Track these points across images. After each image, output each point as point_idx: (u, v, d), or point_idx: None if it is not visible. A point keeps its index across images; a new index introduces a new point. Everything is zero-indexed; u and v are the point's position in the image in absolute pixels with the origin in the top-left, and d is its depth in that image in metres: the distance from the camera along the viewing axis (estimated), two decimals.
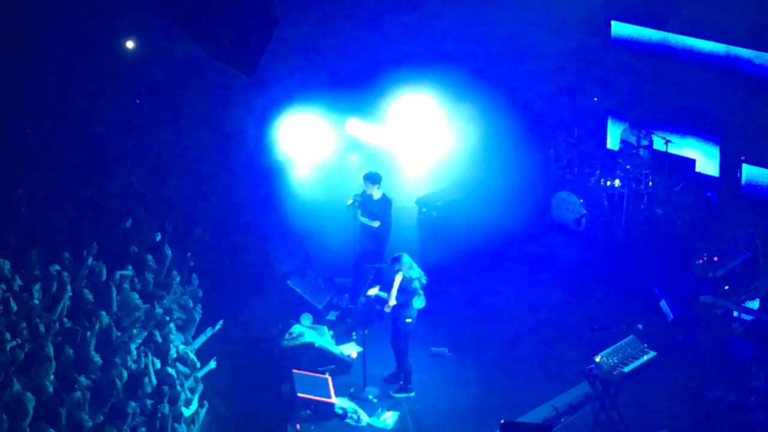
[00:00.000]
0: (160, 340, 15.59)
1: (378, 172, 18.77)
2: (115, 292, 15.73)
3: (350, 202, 18.38)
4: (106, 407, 13.78)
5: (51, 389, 13.47)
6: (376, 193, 18.52)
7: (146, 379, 14.48)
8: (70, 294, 15.19)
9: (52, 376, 13.70)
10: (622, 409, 15.56)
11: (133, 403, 13.97)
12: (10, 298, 14.53)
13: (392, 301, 16.64)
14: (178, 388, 14.92)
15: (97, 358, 14.37)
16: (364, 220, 18.51)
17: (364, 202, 18.48)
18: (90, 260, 16.03)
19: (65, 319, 14.90)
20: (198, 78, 21.28)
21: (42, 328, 14.33)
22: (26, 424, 12.81)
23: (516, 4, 21.20)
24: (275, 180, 21.29)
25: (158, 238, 17.55)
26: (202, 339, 16.68)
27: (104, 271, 16.04)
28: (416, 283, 16.52)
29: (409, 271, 16.58)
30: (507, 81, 21.39)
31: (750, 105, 19.65)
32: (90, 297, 15.63)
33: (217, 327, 16.84)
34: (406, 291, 16.54)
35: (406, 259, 16.66)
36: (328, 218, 19.95)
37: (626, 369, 15.29)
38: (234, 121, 21.74)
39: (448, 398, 16.90)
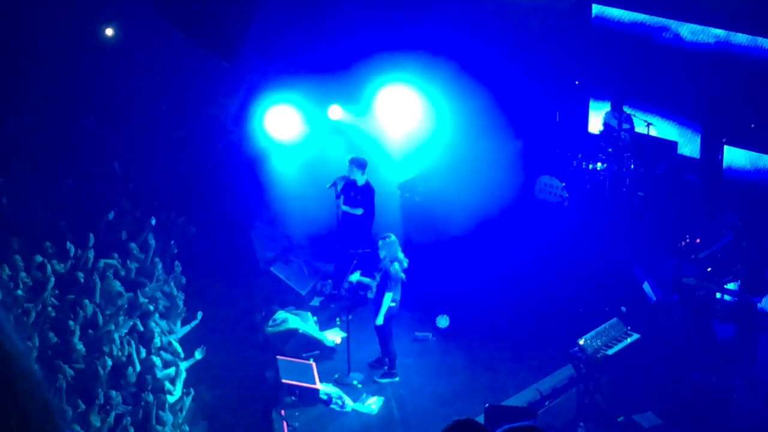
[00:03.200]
0: (142, 328, 15.60)
1: (364, 158, 18.74)
2: (98, 281, 15.73)
3: (331, 184, 18.35)
4: (89, 396, 13.79)
5: None
6: (360, 179, 18.50)
7: (129, 368, 14.48)
8: (54, 283, 15.18)
9: (35, 366, 13.69)
10: (606, 392, 15.64)
11: (113, 392, 13.98)
12: None
13: (380, 321, 16.68)
14: (160, 375, 14.94)
15: (80, 346, 14.37)
16: (346, 208, 18.48)
17: (347, 187, 18.45)
18: (73, 249, 16.00)
19: (49, 308, 14.89)
20: (179, 66, 21.21)
21: (26, 318, 14.32)
22: None
23: None
24: (258, 167, 21.25)
25: (153, 222, 17.57)
26: (185, 329, 16.69)
27: (90, 260, 16.02)
28: (397, 265, 16.49)
29: (398, 252, 16.58)
30: (488, 65, 21.36)
31: (731, 87, 19.67)
32: (73, 286, 15.63)
33: (198, 319, 16.88)
34: (391, 278, 16.51)
35: (394, 238, 16.64)
36: (311, 205, 19.93)
37: (610, 352, 15.35)
38: (216, 108, 21.69)
39: (433, 383, 16.94)
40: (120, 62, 21.12)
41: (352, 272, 17.04)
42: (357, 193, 18.47)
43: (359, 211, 18.48)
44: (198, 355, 16.16)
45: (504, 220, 20.03)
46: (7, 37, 19.95)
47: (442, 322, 18.06)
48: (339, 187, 18.31)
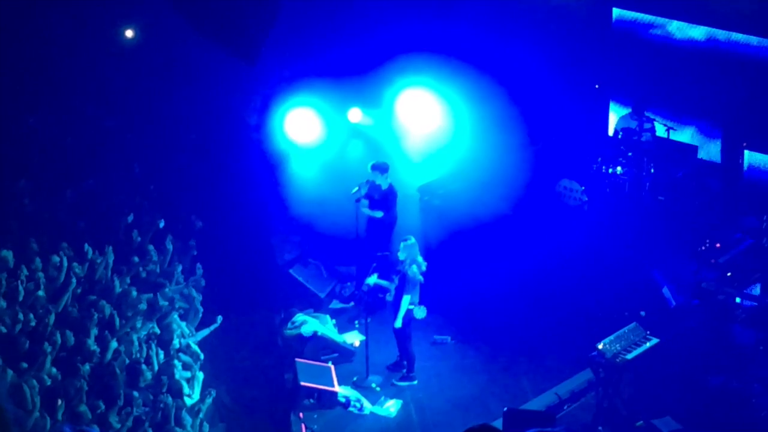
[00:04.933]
0: (159, 331, 15.63)
1: (386, 162, 18.71)
2: (117, 283, 15.75)
3: (355, 189, 18.35)
4: (108, 397, 13.81)
5: (49, 381, 13.50)
6: (384, 183, 18.47)
7: (147, 370, 14.51)
8: (75, 285, 15.21)
9: (54, 369, 13.73)
10: (625, 396, 15.60)
11: (135, 393, 14.01)
12: (18, 287, 14.54)
13: (398, 323, 16.68)
14: (178, 377, 14.96)
15: (94, 347, 14.40)
16: (367, 211, 18.45)
17: (371, 191, 18.44)
18: (91, 251, 16.02)
19: (70, 309, 14.93)
20: (200, 67, 21.23)
21: (47, 319, 14.35)
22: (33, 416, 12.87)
23: None
24: (278, 169, 21.28)
25: (161, 225, 17.57)
26: (204, 332, 16.67)
27: (110, 262, 16.03)
28: (415, 268, 16.48)
29: (417, 255, 16.57)
30: (508, 68, 21.35)
31: (751, 90, 19.62)
32: (93, 288, 15.67)
33: (218, 323, 16.85)
34: (409, 281, 16.50)
35: (414, 240, 16.64)
36: (330, 207, 19.94)
37: (629, 356, 15.32)
38: (236, 109, 21.72)
39: (452, 386, 16.93)
40: (140, 63, 21.15)
41: (369, 275, 17.04)
42: (380, 196, 18.46)
43: (379, 214, 18.46)
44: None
45: (523, 224, 20.01)
46: (27, 39, 20.01)
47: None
48: (363, 192, 18.31)
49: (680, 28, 20.44)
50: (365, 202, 18.37)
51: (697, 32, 20.22)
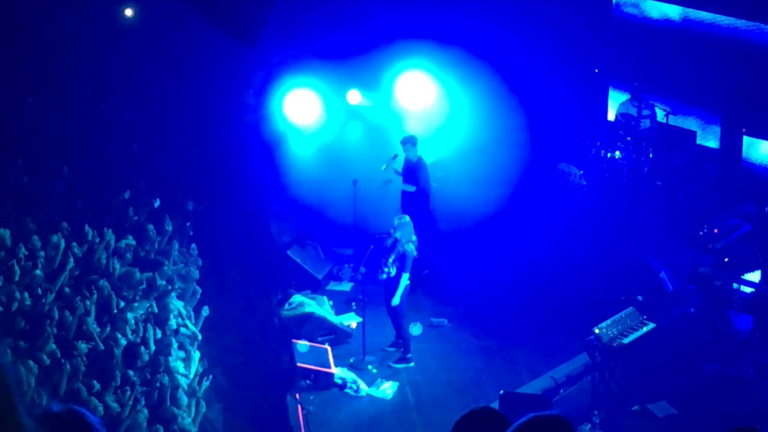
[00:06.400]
0: (156, 310, 15.62)
1: (413, 135, 18.74)
2: (118, 263, 15.76)
3: (384, 167, 18.36)
4: (105, 377, 13.82)
5: (48, 360, 13.52)
6: (414, 156, 18.49)
7: (144, 349, 14.51)
8: (73, 264, 15.22)
9: (54, 345, 13.74)
10: (621, 381, 15.61)
11: (131, 372, 14.02)
12: (14, 266, 14.55)
13: (397, 300, 16.65)
14: (174, 357, 14.97)
15: (95, 326, 14.40)
16: (405, 186, 18.46)
17: (405, 166, 18.48)
18: (91, 231, 16.02)
19: (66, 288, 14.92)
20: (199, 48, 21.20)
21: (44, 298, 14.36)
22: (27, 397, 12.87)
23: None
24: (276, 150, 21.27)
25: (157, 204, 17.56)
26: (202, 312, 16.60)
27: (112, 241, 16.02)
28: (411, 246, 16.46)
29: (412, 233, 16.57)
30: (507, 53, 21.31)
31: (752, 76, 19.59)
32: (90, 267, 15.67)
33: (205, 313, 16.78)
34: (407, 258, 16.49)
35: (408, 219, 16.63)
36: (328, 189, 19.94)
37: (625, 340, 15.33)
38: (235, 91, 21.70)
39: (448, 369, 16.93)
40: (138, 44, 21.12)
41: (367, 257, 16.94)
42: (411, 168, 18.47)
43: (412, 188, 18.46)
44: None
45: (522, 207, 20.01)
46: (27, 19, 19.97)
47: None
48: (400, 168, 18.37)
49: (680, 13, 20.39)
50: (399, 178, 18.38)
51: (696, 17, 20.16)
